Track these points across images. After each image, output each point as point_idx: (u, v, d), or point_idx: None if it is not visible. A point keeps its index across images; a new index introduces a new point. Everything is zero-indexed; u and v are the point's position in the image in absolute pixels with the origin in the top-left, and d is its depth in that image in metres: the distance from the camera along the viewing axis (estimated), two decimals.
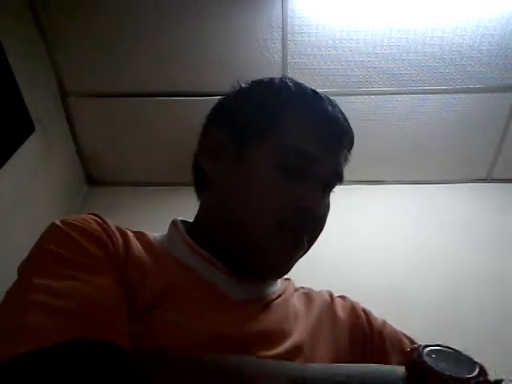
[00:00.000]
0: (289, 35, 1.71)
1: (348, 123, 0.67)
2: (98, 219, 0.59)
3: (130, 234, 0.63)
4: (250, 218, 0.61)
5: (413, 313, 1.55)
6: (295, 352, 0.60)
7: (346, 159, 0.69)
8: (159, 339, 0.53)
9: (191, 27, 1.70)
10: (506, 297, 1.62)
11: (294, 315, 0.67)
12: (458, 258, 1.74)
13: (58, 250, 0.54)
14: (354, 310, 0.74)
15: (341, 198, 2.01)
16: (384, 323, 0.73)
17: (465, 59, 1.75)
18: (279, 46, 1.74)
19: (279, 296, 0.69)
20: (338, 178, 0.67)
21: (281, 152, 0.61)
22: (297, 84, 0.67)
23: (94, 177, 2.09)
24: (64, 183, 1.93)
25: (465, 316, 1.57)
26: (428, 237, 1.82)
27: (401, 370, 0.42)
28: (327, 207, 0.68)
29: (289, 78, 0.68)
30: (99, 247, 0.56)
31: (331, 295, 0.76)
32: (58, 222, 0.58)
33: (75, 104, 1.90)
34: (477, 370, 0.39)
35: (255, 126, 0.64)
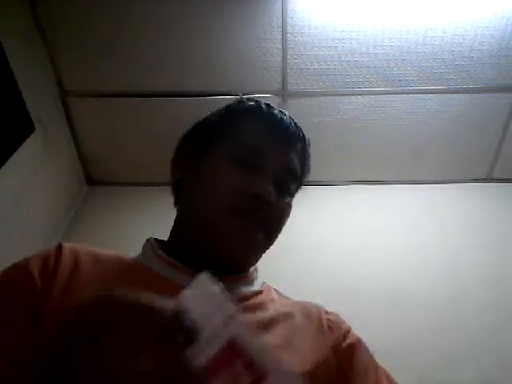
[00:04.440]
0: (289, 35, 1.71)
1: (297, 127, 0.74)
2: (49, 253, 0.63)
3: (92, 255, 0.65)
4: (207, 207, 0.68)
5: (413, 313, 1.55)
6: None
7: (300, 160, 0.74)
8: None
9: (191, 27, 1.71)
10: (506, 296, 1.62)
11: (270, 318, 0.67)
12: (457, 258, 1.74)
13: None
14: (340, 328, 0.71)
15: (341, 198, 2.01)
16: (371, 355, 0.71)
17: (465, 59, 1.75)
18: (279, 46, 1.74)
19: (254, 295, 0.70)
20: (291, 175, 0.72)
21: (234, 148, 0.70)
22: (253, 100, 0.76)
23: (93, 177, 2.09)
24: (64, 183, 1.93)
25: (465, 315, 1.57)
26: (428, 237, 1.82)
27: None
28: (286, 206, 0.72)
29: (248, 98, 0.76)
30: (19, 290, 0.59)
31: (318, 308, 0.75)
32: (6, 268, 0.62)
33: (75, 104, 1.90)
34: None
35: (213, 133, 0.73)
